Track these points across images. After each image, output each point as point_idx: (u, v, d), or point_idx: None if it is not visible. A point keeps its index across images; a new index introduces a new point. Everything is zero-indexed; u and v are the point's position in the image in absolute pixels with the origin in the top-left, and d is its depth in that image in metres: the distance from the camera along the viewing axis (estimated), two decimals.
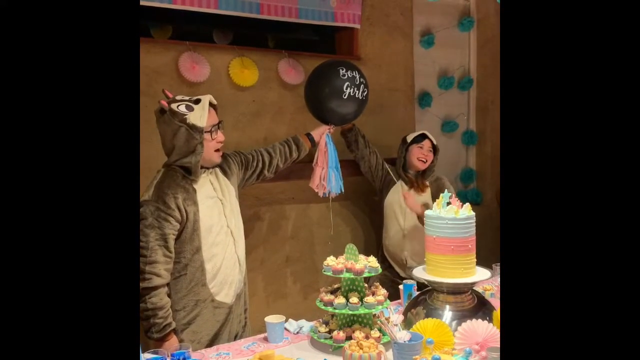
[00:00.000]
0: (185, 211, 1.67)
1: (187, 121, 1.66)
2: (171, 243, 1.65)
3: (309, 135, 2.27)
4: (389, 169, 2.64)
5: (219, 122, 1.78)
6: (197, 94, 2.39)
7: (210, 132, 1.73)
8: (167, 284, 1.67)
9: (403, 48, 3.10)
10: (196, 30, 2.96)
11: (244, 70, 2.52)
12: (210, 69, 2.45)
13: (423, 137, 2.60)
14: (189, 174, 1.71)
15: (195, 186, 1.72)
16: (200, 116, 1.68)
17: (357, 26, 2.86)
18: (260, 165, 2.05)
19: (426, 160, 2.57)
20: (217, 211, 1.76)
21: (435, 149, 2.60)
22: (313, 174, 2.32)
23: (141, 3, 2.12)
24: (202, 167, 1.76)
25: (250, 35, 2.97)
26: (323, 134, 2.30)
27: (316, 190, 2.33)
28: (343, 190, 2.36)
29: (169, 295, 1.67)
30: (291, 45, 2.87)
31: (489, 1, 3.38)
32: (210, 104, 1.75)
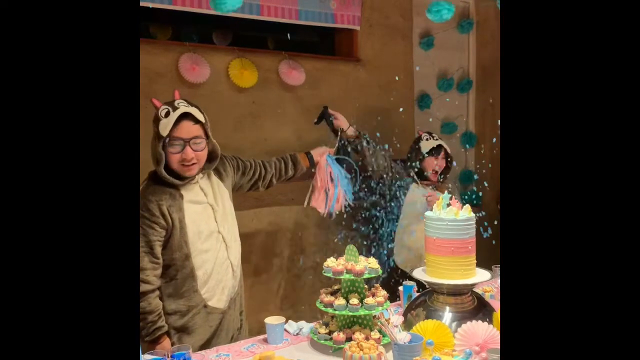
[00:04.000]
0: (171, 218, 1.64)
1: (158, 126, 1.63)
2: (157, 250, 1.63)
3: (308, 154, 2.18)
4: (398, 174, 2.60)
5: (191, 139, 1.65)
6: (197, 95, 2.41)
7: (168, 144, 1.64)
8: (159, 288, 1.65)
9: (402, 50, 3.11)
10: (196, 31, 2.97)
11: (244, 72, 2.53)
12: (210, 70, 2.45)
13: (440, 147, 2.57)
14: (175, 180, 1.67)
15: (182, 192, 1.69)
16: (166, 125, 1.62)
17: (357, 28, 2.87)
18: (256, 175, 2.00)
19: (439, 171, 2.58)
20: (206, 217, 1.72)
21: (448, 156, 2.59)
22: (315, 194, 2.21)
23: (141, 4, 2.12)
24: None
25: (250, 36, 2.97)
26: (324, 154, 2.20)
27: (319, 210, 2.22)
28: (351, 200, 2.26)
29: (161, 299, 1.66)
30: (291, 47, 2.87)
31: (488, 3, 3.39)
32: (193, 118, 1.66)
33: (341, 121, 2.40)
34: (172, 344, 1.65)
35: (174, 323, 1.68)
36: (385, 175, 2.57)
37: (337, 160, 2.26)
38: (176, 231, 1.65)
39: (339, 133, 2.30)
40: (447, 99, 3.29)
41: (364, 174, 2.40)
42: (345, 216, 2.74)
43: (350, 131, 2.43)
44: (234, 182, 1.92)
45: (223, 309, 1.77)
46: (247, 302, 1.98)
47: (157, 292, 1.65)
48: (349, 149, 2.32)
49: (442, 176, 2.62)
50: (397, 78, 2.96)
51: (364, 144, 2.47)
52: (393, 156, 2.66)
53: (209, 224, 1.72)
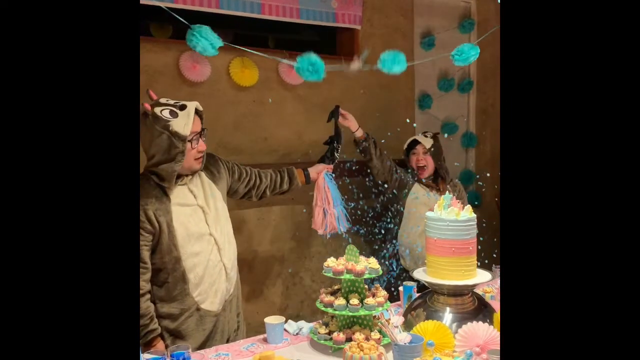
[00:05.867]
0: (158, 222, 1.61)
1: (170, 128, 1.58)
2: (144, 254, 1.61)
3: (305, 170, 2.15)
4: (402, 177, 2.60)
5: (202, 130, 1.69)
6: (198, 94, 2.40)
7: (191, 140, 1.65)
8: (149, 291, 1.64)
9: (403, 49, 3.09)
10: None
11: (244, 70, 2.52)
12: (211, 69, 2.44)
13: (415, 142, 2.57)
14: (163, 181, 1.64)
15: (170, 195, 1.66)
16: (184, 124, 1.60)
17: (358, 27, 2.86)
18: (250, 184, 1.98)
19: (425, 165, 2.55)
20: (196, 219, 1.69)
21: (433, 150, 2.55)
22: (314, 214, 2.18)
23: (141, 1, 2.11)
24: (180, 175, 1.68)
25: (250, 35, 2.96)
26: (321, 172, 2.16)
27: (319, 232, 2.18)
28: (347, 227, 2.21)
29: (154, 303, 1.65)
30: (292, 46, 2.87)
31: (489, 3, 3.38)
32: (196, 111, 1.67)
33: (351, 122, 2.40)
34: (166, 347, 1.63)
35: (167, 326, 1.67)
36: (389, 179, 2.58)
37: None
38: (164, 235, 1.63)
39: (332, 142, 2.25)
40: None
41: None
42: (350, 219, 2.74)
43: (359, 132, 2.45)
44: (228, 184, 1.90)
45: (216, 312, 1.74)
46: (245, 302, 1.97)
47: (148, 296, 1.64)
48: (334, 155, 2.25)
49: (439, 177, 2.58)
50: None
51: (371, 146, 2.48)
52: (391, 156, 2.66)
53: (199, 226, 1.69)
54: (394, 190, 2.62)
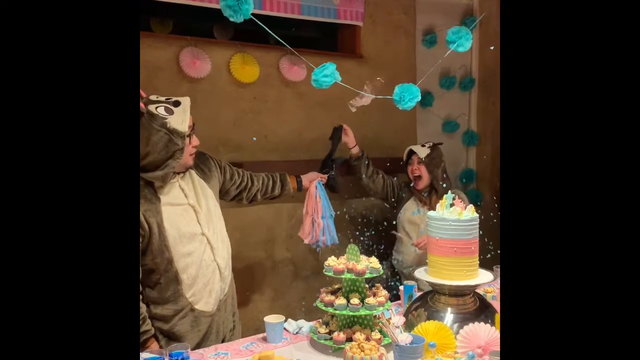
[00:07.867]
0: (147, 223, 1.58)
1: (168, 125, 1.55)
2: None
3: (298, 177, 2.14)
4: (400, 192, 2.60)
5: (193, 125, 1.67)
6: (198, 90, 2.39)
7: (190, 136, 1.64)
8: (141, 293, 1.63)
9: (405, 47, 3.09)
10: (197, 25, 2.94)
11: (245, 67, 2.50)
12: (211, 65, 2.43)
13: (412, 152, 2.54)
14: (160, 181, 1.61)
15: (160, 194, 1.63)
16: (182, 120, 1.57)
17: (360, 24, 2.85)
18: (242, 185, 1.95)
19: (420, 175, 2.50)
20: (187, 219, 1.66)
21: (427, 160, 2.48)
22: (303, 223, 2.16)
23: None
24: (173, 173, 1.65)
25: (251, 31, 2.94)
26: (314, 180, 2.15)
27: (305, 241, 2.16)
28: (337, 242, 2.17)
29: (147, 305, 1.64)
30: (292, 42, 2.84)
31: (492, 1, 3.36)
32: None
33: (350, 138, 2.41)
34: (160, 348, 1.62)
35: (160, 328, 1.65)
36: (384, 198, 2.59)
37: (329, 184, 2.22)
38: (155, 236, 1.60)
39: (326, 158, 2.24)
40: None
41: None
42: (347, 218, 2.72)
43: (355, 150, 2.45)
44: (220, 182, 1.87)
45: (211, 312, 1.72)
46: (242, 302, 1.95)
47: (140, 296, 1.62)
48: (326, 170, 2.24)
49: (433, 190, 2.52)
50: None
51: (363, 165, 2.47)
52: (391, 155, 2.65)
53: (190, 226, 1.66)
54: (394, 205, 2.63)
